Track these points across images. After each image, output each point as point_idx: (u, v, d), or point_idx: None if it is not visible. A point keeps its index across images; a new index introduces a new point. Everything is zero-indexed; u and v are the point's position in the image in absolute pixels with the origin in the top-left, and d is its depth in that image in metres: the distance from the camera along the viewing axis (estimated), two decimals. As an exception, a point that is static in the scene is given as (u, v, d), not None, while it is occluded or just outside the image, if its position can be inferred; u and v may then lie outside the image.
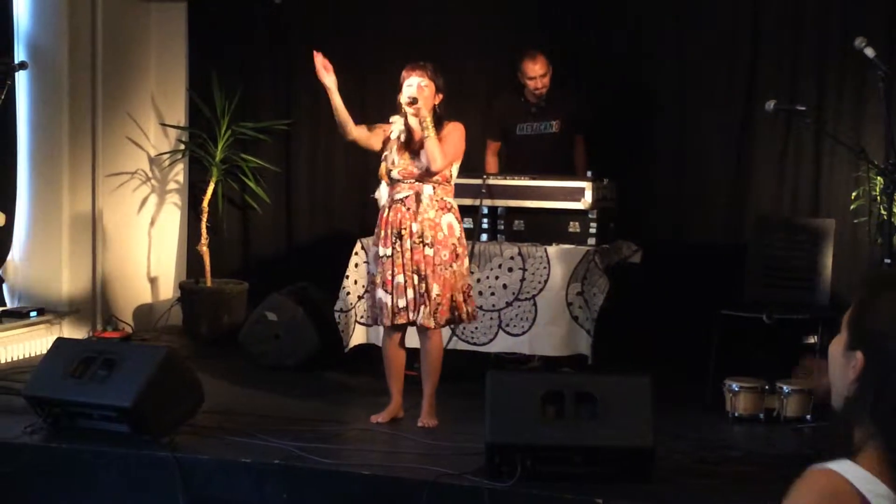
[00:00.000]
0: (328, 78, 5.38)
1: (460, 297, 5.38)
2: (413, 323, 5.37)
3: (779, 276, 6.30)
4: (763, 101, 5.81)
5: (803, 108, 5.60)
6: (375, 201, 5.65)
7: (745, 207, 6.91)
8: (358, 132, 5.46)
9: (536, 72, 6.65)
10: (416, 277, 5.29)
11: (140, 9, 8.05)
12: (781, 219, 6.58)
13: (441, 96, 5.38)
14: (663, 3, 7.15)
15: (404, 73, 5.37)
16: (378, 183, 5.64)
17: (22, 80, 7.12)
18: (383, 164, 5.44)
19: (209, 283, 7.67)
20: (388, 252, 5.34)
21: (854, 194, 6.45)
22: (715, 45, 7.03)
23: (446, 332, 5.89)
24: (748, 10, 6.97)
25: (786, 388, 5.51)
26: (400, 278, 5.31)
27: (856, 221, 6.47)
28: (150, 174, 8.18)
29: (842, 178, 6.67)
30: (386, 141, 5.46)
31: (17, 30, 7.18)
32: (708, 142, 7.08)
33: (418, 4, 7.61)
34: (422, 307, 5.29)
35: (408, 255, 5.30)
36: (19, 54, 7.09)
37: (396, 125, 5.42)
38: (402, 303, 5.31)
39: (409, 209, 5.33)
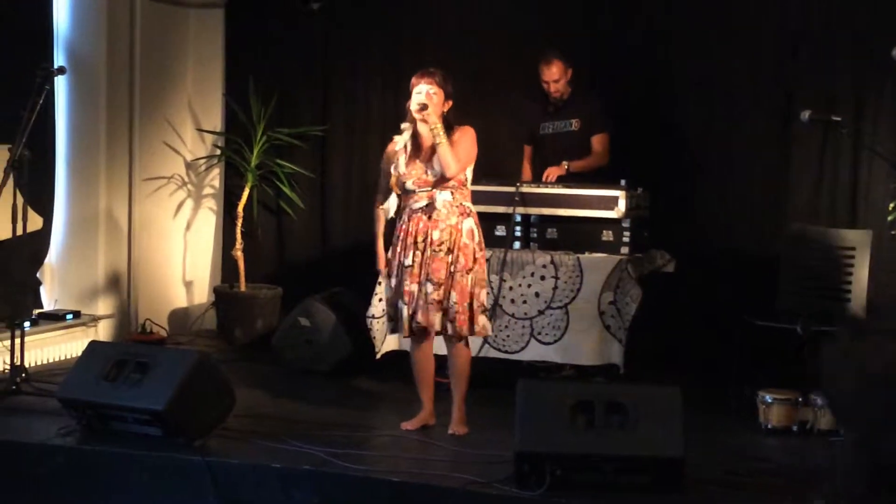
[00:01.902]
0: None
1: (476, 305, 5.33)
2: (423, 329, 5.35)
3: (814, 287, 6.24)
4: (800, 111, 5.77)
5: (839, 119, 5.56)
6: (385, 212, 5.54)
7: (781, 217, 6.86)
8: (390, 201, 5.47)
9: (551, 76, 6.67)
10: (429, 285, 5.27)
11: (178, 14, 8.11)
12: (818, 229, 6.52)
13: (450, 103, 5.38)
14: (703, 11, 7.11)
15: (413, 81, 5.38)
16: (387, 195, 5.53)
17: (61, 84, 7.20)
18: (394, 176, 5.42)
19: (243, 288, 7.71)
20: (409, 262, 5.34)
21: (892, 205, 6.38)
22: (753, 55, 6.99)
23: (477, 339, 5.88)
24: (788, 20, 6.92)
25: (819, 401, 5.46)
26: (414, 287, 5.32)
27: (893, 232, 6.39)
28: (186, 179, 8.23)
29: (880, 188, 6.61)
30: (391, 157, 5.44)
31: (57, 35, 7.26)
32: (745, 151, 7.03)
33: (453, 9, 7.63)
34: (437, 315, 5.28)
35: (428, 264, 5.29)
36: (59, 59, 7.17)
37: (405, 134, 5.41)
38: (414, 312, 5.32)
39: (429, 218, 5.32)
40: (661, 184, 6.75)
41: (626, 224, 6.22)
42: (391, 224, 5.55)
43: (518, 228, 6.40)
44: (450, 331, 5.31)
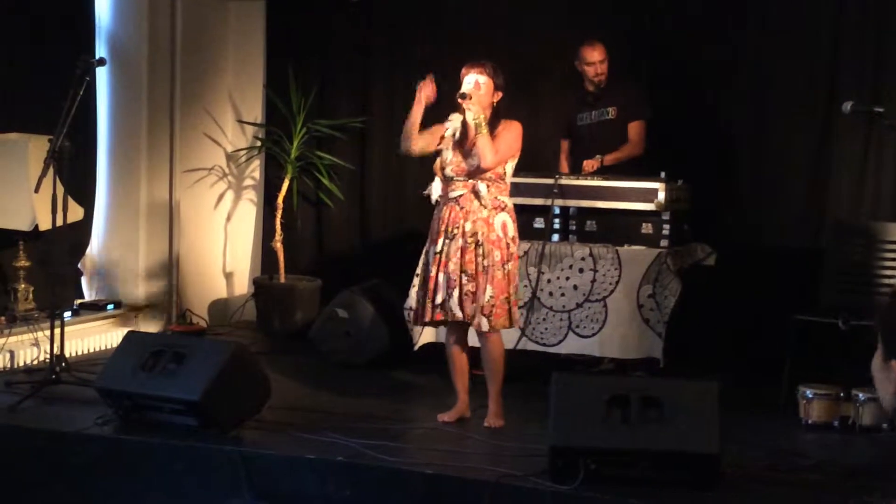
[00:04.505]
0: (426, 93, 5.31)
1: (512, 300, 5.31)
2: (445, 322, 5.34)
3: (857, 282, 6.15)
4: (845, 101, 5.67)
5: (881, 110, 5.43)
6: (428, 198, 5.54)
7: (823, 210, 6.77)
8: (417, 146, 5.35)
9: (594, 58, 6.62)
10: (463, 277, 5.25)
11: (219, 6, 8.14)
12: (861, 223, 6.42)
13: (500, 94, 5.35)
14: (744, 1, 7.03)
15: (464, 70, 5.36)
16: (432, 178, 5.54)
17: (102, 76, 7.26)
18: (438, 160, 5.42)
19: (282, 280, 7.73)
20: (438, 248, 5.32)
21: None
22: (795, 45, 6.89)
23: (515, 332, 5.85)
24: (830, 10, 6.82)
25: (861, 396, 5.37)
26: (441, 276, 5.29)
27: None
28: (226, 170, 8.26)
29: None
30: (442, 138, 5.41)
31: (99, 27, 7.31)
32: (787, 143, 6.94)
33: (495, 1, 7.59)
34: (471, 307, 5.25)
35: (458, 254, 5.26)
36: (100, 51, 7.22)
37: (453, 122, 5.37)
38: (438, 299, 5.29)
39: (462, 208, 5.29)
40: (704, 176, 6.66)
41: (665, 217, 6.16)
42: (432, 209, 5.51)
43: (557, 221, 6.35)
44: (485, 326, 5.27)
